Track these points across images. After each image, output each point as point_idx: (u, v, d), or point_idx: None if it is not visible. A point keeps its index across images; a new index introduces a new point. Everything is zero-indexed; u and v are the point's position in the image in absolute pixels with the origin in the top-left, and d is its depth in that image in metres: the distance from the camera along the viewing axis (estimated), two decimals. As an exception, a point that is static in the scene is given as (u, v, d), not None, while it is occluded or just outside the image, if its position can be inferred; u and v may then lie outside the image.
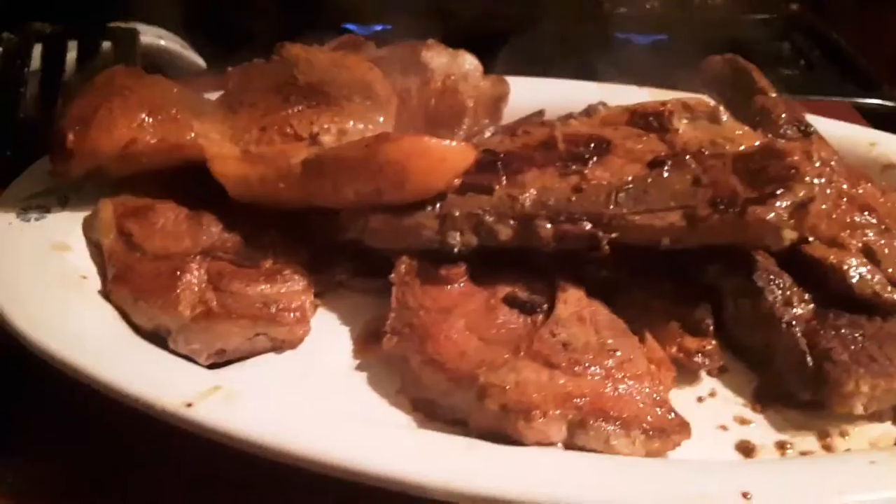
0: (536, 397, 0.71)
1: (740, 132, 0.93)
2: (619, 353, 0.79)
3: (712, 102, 0.97)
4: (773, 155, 0.87)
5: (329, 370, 0.83)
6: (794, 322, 0.83)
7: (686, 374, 0.84)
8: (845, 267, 0.86)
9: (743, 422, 0.80)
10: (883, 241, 0.90)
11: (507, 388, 0.72)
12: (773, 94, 1.07)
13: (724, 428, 0.79)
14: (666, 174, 0.88)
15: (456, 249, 0.86)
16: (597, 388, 0.74)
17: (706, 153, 0.89)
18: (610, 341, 0.80)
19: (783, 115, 1.02)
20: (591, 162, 0.90)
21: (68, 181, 0.96)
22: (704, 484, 0.66)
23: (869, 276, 0.86)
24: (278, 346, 0.84)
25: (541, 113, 1.21)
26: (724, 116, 0.95)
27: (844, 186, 0.97)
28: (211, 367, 0.81)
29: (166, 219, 0.90)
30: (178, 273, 0.83)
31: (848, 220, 0.92)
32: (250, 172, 0.90)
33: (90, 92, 0.96)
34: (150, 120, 0.92)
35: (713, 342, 0.85)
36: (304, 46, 1.12)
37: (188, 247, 0.88)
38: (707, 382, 0.85)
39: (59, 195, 0.98)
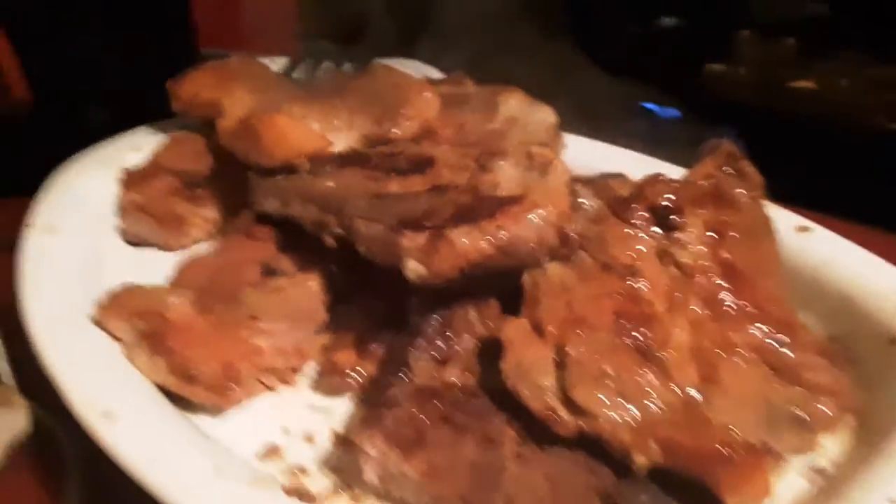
0: (129, 306, 0.83)
1: (543, 190, 0.83)
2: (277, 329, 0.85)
3: (554, 158, 0.86)
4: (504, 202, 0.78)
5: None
6: (411, 368, 0.74)
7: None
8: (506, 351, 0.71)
9: (308, 440, 0.77)
10: (598, 353, 0.70)
11: (136, 300, 0.86)
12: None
13: (286, 431, 0.78)
14: (423, 198, 0.86)
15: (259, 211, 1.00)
16: (186, 329, 0.82)
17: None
18: (278, 318, 0.86)
19: (655, 206, 0.83)
20: (395, 176, 0.92)
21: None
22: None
23: (520, 372, 0.70)
24: (162, 247, 1.11)
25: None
26: (557, 172, 0.85)
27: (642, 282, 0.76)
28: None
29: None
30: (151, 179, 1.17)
31: (588, 310, 0.74)
32: (225, 126, 1.18)
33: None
34: (211, 79, 1.26)
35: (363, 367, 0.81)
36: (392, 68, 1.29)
37: (176, 162, 1.20)
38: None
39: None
